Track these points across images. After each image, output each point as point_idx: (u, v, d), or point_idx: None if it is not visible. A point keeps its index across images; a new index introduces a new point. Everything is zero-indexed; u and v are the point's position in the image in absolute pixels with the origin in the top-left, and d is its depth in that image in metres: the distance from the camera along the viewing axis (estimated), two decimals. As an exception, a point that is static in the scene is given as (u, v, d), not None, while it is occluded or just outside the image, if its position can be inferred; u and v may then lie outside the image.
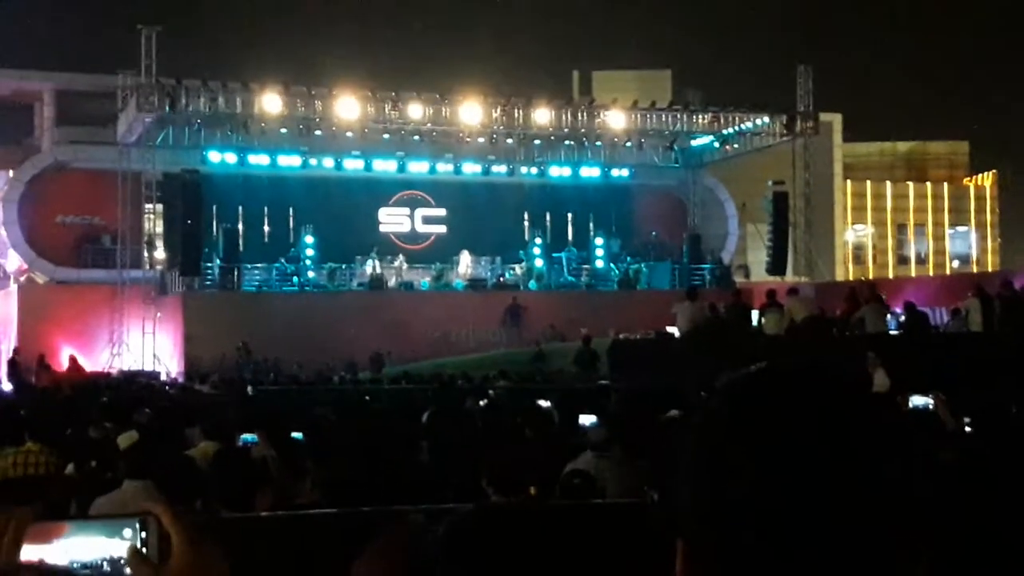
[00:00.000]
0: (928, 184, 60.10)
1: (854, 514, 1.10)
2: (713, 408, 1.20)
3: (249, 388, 18.98)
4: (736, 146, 38.90)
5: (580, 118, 36.47)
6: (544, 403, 12.22)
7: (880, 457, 1.14)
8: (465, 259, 36.22)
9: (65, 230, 37.24)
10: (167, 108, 32.09)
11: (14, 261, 38.67)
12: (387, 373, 27.64)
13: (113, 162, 34.66)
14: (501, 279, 36.72)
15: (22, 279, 38.40)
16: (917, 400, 9.73)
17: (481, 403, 13.10)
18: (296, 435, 7.65)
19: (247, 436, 7.58)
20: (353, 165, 37.00)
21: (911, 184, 59.67)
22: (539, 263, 37.30)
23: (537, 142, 37.87)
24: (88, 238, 37.42)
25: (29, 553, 1.41)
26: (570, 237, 39.94)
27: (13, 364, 29.27)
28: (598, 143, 38.36)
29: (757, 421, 1.15)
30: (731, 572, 1.13)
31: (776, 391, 1.17)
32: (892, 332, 20.16)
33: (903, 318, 21.55)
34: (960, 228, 61.57)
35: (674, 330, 21.71)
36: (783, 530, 1.10)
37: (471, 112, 34.46)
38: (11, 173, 38.84)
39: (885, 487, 1.12)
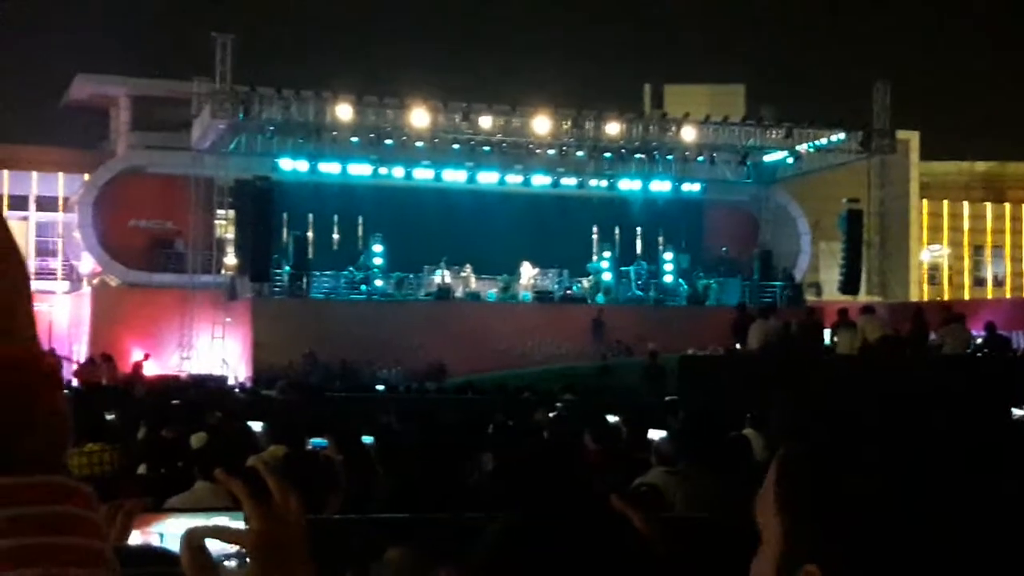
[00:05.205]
0: (1007, 205, 58.86)
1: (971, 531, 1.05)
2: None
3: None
4: (811, 159, 38.35)
5: (651, 131, 36.24)
6: (612, 418, 12.06)
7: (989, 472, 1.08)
8: (527, 270, 36.03)
9: (138, 234, 37.77)
10: (240, 115, 32.43)
11: (87, 263, 39.31)
12: (450, 383, 27.64)
13: (186, 167, 35.12)
14: (568, 292, 36.54)
15: (95, 281, 39.01)
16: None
17: (550, 415, 12.98)
18: (366, 439, 7.61)
19: (316, 440, 7.55)
20: (423, 175, 37.10)
21: (989, 204, 58.48)
22: (607, 277, 37.06)
23: (607, 155, 37.59)
24: (160, 242, 37.93)
25: (138, 541, 1.56)
26: (639, 251, 39.67)
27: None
28: (669, 157, 38.07)
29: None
30: None
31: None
32: (969, 353, 19.74)
33: (980, 339, 21.11)
34: (1039, 250, 60.21)
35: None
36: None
37: (541, 124, 34.40)
38: (86, 177, 39.57)
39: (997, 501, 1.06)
